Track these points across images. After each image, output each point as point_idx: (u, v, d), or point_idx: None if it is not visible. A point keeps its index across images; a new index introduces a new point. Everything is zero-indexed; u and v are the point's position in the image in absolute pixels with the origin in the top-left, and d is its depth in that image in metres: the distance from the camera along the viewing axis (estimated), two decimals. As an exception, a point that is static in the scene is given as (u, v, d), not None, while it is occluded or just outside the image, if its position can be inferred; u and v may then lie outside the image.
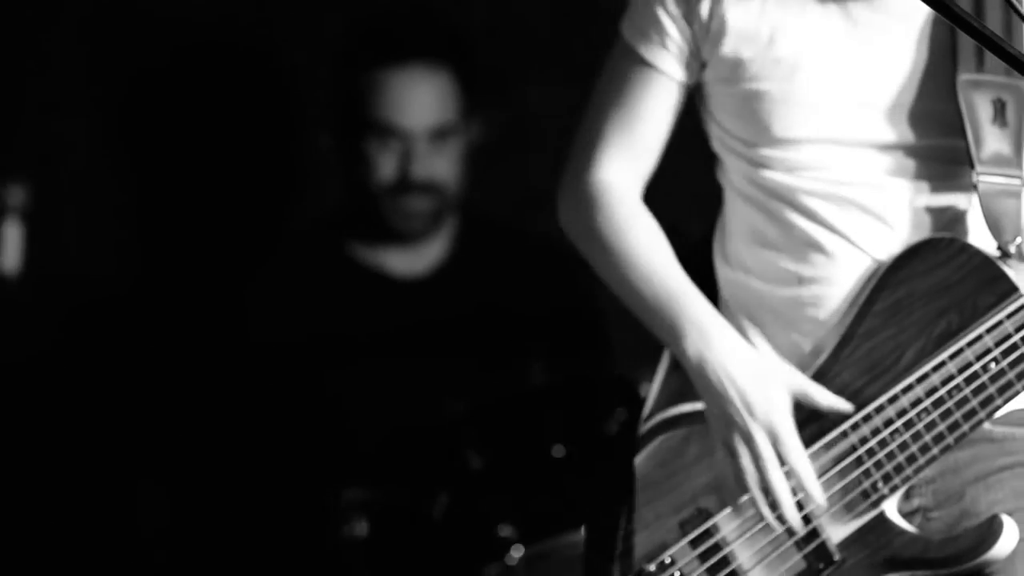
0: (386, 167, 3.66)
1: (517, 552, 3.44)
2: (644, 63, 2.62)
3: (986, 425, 2.61)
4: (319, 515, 3.75)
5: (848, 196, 2.55)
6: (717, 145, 2.67)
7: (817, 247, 2.53)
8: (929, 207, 2.59)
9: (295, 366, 3.84)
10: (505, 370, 3.54)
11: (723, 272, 2.68)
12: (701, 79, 2.61)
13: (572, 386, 3.58)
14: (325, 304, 3.82)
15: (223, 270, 4.30)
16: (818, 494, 2.58)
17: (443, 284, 3.78)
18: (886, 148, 2.59)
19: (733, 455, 2.55)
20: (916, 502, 2.66)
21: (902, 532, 2.67)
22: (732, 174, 2.66)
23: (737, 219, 2.66)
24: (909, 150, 2.54)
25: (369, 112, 3.72)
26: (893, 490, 2.61)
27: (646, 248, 2.69)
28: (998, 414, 2.59)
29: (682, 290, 2.64)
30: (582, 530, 3.21)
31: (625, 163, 2.70)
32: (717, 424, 2.55)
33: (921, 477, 2.61)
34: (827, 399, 2.57)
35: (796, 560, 2.65)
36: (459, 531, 3.50)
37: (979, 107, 2.53)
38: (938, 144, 2.58)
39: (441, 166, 3.72)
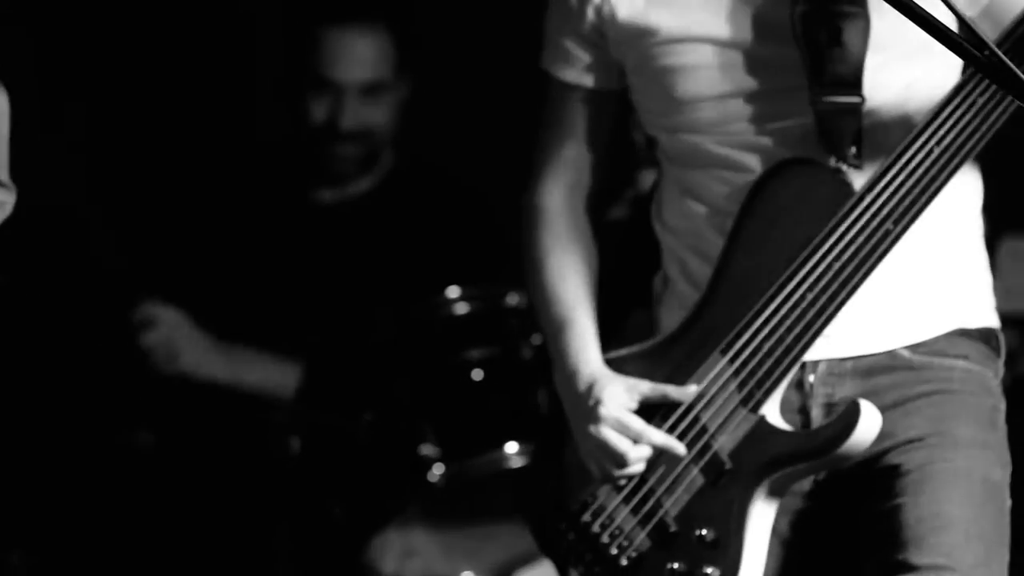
0: (318, 116, 4.03)
1: (438, 470, 3.67)
2: (558, 82, 2.87)
3: (905, 353, 2.84)
4: (256, 434, 4.05)
5: (746, 142, 2.82)
6: (648, 127, 2.91)
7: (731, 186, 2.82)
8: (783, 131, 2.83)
9: (228, 283, 4.17)
10: (422, 296, 3.84)
11: (658, 231, 2.95)
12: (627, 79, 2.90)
13: (490, 313, 3.73)
14: (263, 226, 4.20)
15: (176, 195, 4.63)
16: (678, 448, 2.82)
17: (364, 213, 4.13)
18: (761, 92, 2.82)
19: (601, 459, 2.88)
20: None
21: (780, 432, 2.89)
22: (661, 148, 2.90)
23: (668, 183, 2.92)
24: (776, 85, 2.84)
25: (308, 67, 4.08)
26: (767, 394, 2.82)
27: (554, 277, 2.95)
28: (916, 340, 2.81)
29: (564, 324, 2.92)
30: (504, 448, 3.70)
31: (558, 183, 2.95)
32: (582, 442, 2.87)
33: (842, 398, 2.83)
34: (656, 389, 2.83)
35: (695, 475, 2.90)
36: (383, 451, 3.72)
37: (818, 33, 2.88)
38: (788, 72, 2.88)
39: (372, 117, 4.06)
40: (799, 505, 2.96)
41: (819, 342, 2.85)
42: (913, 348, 2.86)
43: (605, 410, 2.82)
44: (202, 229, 4.53)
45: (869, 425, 2.82)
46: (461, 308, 3.89)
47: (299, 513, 4.23)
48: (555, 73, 2.90)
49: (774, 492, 2.95)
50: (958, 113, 2.81)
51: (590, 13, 2.88)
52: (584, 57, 2.91)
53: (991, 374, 2.97)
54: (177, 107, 5.14)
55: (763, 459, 2.83)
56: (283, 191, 4.39)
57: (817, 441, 2.80)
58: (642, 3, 2.84)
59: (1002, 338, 3.05)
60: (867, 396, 2.84)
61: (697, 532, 2.86)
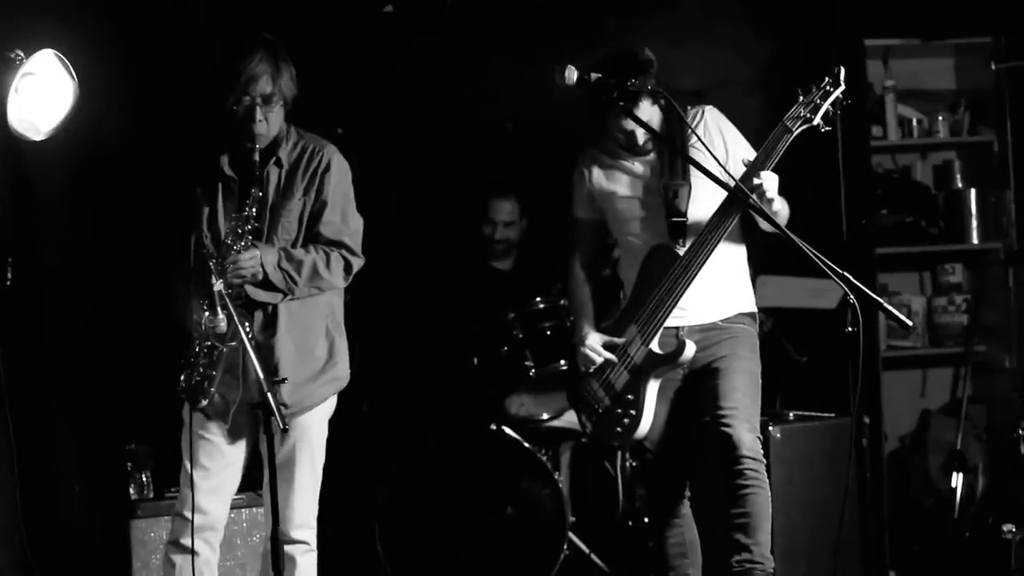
0: (487, 232, 7.21)
1: (533, 372, 6.60)
2: (577, 217, 5.73)
3: (719, 322, 5.45)
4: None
5: (643, 238, 5.47)
6: (615, 237, 5.67)
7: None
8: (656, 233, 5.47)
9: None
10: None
11: (621, 276, 5.65)
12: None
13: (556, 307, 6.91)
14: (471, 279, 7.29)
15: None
16: (614, 359, 5.45)
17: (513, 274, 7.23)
18: (648, 217, 5.46)
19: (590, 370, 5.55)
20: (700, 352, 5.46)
21: (657, 354, 5.40)
22: (619, 245, 5.66)
23: (624, 262, 5.64)
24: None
25: (487, 219, 7.23)
26: (651, 338, 5.40)
27: (575, 294, 5.75)
28: (723, 316, 5.46)
29: (578, 314, 5.69)
30: (559, 362, 6.62)
31: (580, 256, 5.77)
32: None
33: (693, 339, 5.39)
34: (608, 338, 5.56)
35: (624, 373, 5.50)
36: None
37: (668, 192, 5.43)
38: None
39: (512, 235, 7.24)
40: (678, 385, 5.52)
41: (680, 316, 5.39)
42: (723, 320, 5.52)
43: (587, 342, 5.60)
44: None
45: (688, 350, 5.42)
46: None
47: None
48: (576, 214, 5.78)
49: (657, 378, 5.47)
50: (720, 218, 5.29)
51: (587, 186, 5.67)
52: (589, 204, 5.73)
53: (753, 331, 5.55)
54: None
55: (650, 365, 5.45)
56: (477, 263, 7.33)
57: (662, 357, 5.43)
58: (602, 180, 5.61)
59: (757, 315, 5.66)
60: (704, 341, 5.43)
61: (627, 396, 5.48)
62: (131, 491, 6.29)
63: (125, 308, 5.77)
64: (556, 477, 6.58)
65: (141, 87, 6.57)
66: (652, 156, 5.54)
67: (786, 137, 5.32)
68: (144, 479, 6.26)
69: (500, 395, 6.82)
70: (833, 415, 6.71)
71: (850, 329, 4.80)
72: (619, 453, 6.54)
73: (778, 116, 5.45)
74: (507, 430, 6.71)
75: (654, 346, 5.47)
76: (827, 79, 5.37)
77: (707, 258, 5.36)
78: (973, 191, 7.89)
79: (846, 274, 4.73)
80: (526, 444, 6.62)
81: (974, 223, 7.86)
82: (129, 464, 6.29)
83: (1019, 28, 7.36)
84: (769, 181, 5.29)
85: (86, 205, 6.58)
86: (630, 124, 5.35)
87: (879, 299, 4.72)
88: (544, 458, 6.65)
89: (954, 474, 7.51)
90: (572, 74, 5.12)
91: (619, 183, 5.58)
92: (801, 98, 5.38)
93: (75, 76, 4.83)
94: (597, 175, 5.60)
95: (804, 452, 6.24)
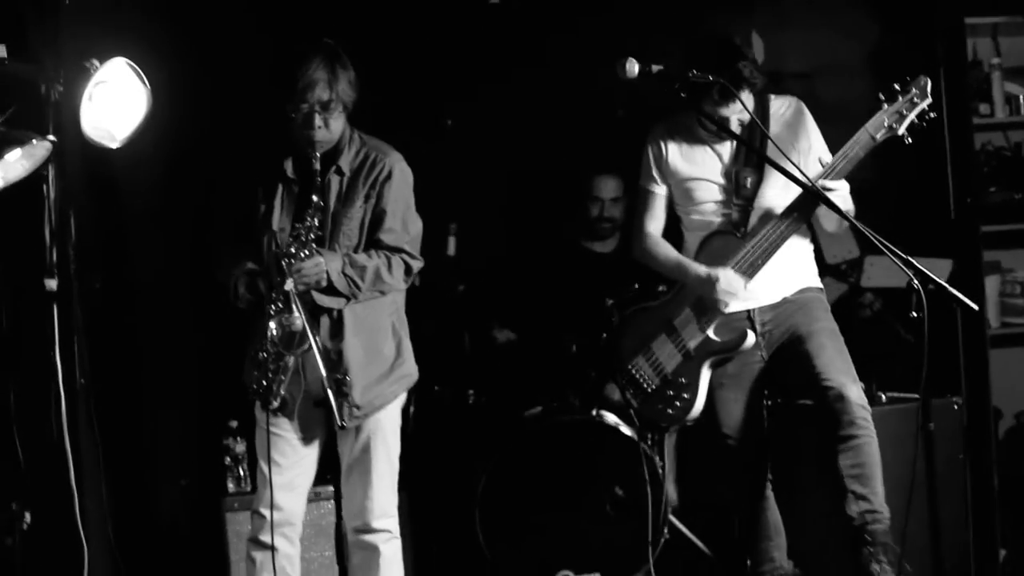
0: (593, 212, 7.24)
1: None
2: (645, 189, 5.80)
3: (790, 296, 5.60)
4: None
5: (708, 220, 5.63)
6: (678, 211, 5.78)
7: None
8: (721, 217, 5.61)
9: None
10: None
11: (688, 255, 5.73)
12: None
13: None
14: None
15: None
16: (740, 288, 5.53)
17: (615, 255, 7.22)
18: (717, 201, 5.62)
19: (709, 289, 5.53)
20: (767, 327, 5.67)
21: (710, 339, 5.60)
22: (684, 222, 5.75)
23: (689, 238, 5.77)
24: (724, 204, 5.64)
25: (591, 193, 7.26)
26: (708, 325, 5.59)
27: (666, 251, 5.79)
28: (792, 291, 5.63)
29: (680, 261, 5.74)
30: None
31: (652, 227, 5.84)
32: (699, 287, 5.60)
33: (763, 320, 5.60)
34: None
35: (679, 355, 5.67)
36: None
37: (739, 178, 5.56)
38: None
39: (616, 212, 7.24)
40: (757, 371, 5.67)
41: (749, 299, 5.53)
42: (793, 294, 5.72)
43: (721, 275, 5.55)
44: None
45: (748, 341, 5.56)
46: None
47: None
48: (647, 186, 5.84)
49: (713, 364, 5.62)
50: (789, 215, 5.48)
51: (663, 160, 5.74)
52: (659, 178, 5.81)
53: (823, 297, 5.76)
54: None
55: (707, 351, 5.66)
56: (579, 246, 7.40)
57: (722, 342, 5.60)
58: (678, 157, 5.70)
59: (823, 288, 5.90)
60: (777, 317, 5.61)
61: (680, 379, 5.67)
62: (229, 485, 6.43)
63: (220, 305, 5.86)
64: (657, 462, 6.58)
65: (216, 92, 6.71)
66: (729, 141, 5.62)
67: (868, 144, 5.37)
68: (241, 472, 6.40)
69: (600, 380, 6.88)
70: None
71: (915, 314, 4.71)
72: (667, 435, 6.51)
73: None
74: (607, 415, 6.72)
75: (711, 332, 5.57)
76: (914, 90, 5.37)
77: (772, 254, 5.49)
78: (1085, 166, 7.74)
79: (910, 259, 4.73)
80: (625, 430, 6.62)
81: (1087, 198, 7.70)
82: (227, 458, 6.42)
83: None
84: (842, 191, 5.37)
85: (172, 207, 6.77)
86: (725, 111, 5.40)
87: (943, 283, 4.71)
88: (647, 443, 6.65)
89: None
90: (634, 67, 5.16)
91: (694, 162, 5.68)
92: (886, 105, 5.39)
93: (147, 83, 4.98)
94: (673, 151, 5.69)
95: (896, 433, 6.13)
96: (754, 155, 5.47)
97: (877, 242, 4.72)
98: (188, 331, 6.80)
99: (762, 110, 5.58)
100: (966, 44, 7.45)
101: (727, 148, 5.60)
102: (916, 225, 7.28)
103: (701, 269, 5.60)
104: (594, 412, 6.75)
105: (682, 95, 5.22)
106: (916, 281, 4.68)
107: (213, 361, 6.51)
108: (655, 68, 5.17)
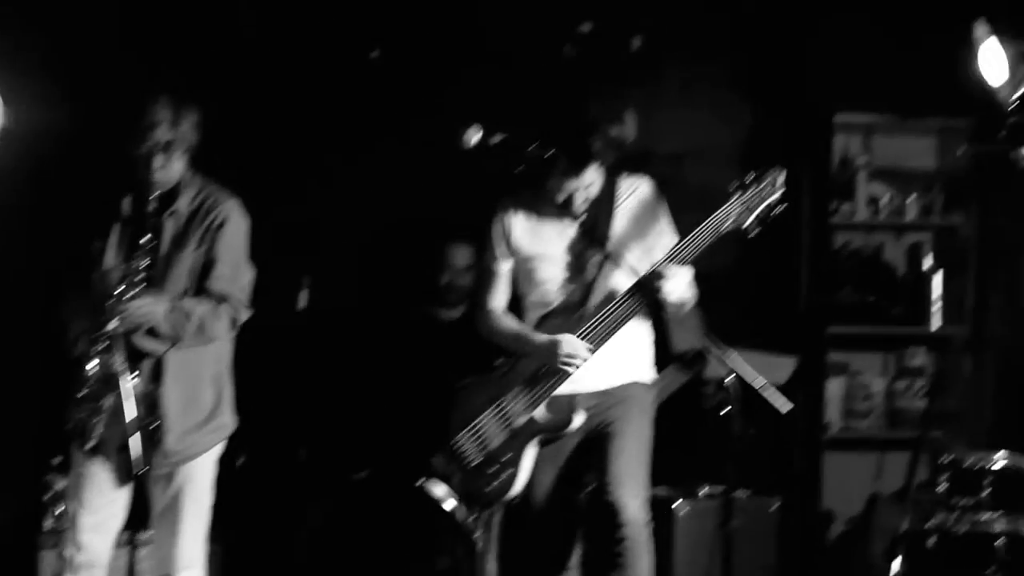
0: (443, 280, 7.05)
1: None
2: (493, 267, 5.69)
3: (613, 389, 5.51)
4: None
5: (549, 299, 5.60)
6: (519, 288, 5.68)
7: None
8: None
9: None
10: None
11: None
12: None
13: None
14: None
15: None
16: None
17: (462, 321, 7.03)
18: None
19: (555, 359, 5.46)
20: (589, 413, 5.56)
21: (534, 420, 5.53)
22: (524, 299, 5.69)
23: (529, 315, 5.67)
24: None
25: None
26: (537, 403, 5.51)
27: (508, 324, 5.70)
28: (619, 383, 5.51)
29: (520, 333, 5.65)
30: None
31: (494, 306, 5.74)
32: (542, 355, 5.48)
33: (589, 403, 5.51)
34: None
35: (504, 432, 5.57)
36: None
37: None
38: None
39: (465, 282, 6.99)
40: (569, 450, 5.58)
41: (575, 382, 5.45)
42: (617, 386, 5.60)
43: (564, 340, 5.46)
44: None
45: (574, 424, 5.53)
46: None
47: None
48: (491, 265, 5.74)
49: (539, 443, 5.56)
50: (624, 301, 5.40)
51: (508, 237, 5.65)
52: (505, 255, 5.71)
53: (647, 397, 5.64)
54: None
55: (533, 430, 5.56)
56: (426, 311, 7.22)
57: (553, 426, 5.57)
58: (525, 235, 5.59)
59: (651, 384, 5.69)
60: (596, 406, 5.52)
61: (504, 456, 5.56)
62: (47, 522, 6.35)
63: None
64: (474, 537, 6.43)
65: (74, 118, 6.62)
66: (578, 218, 5.51)
67: (712, 235, 5.30)
68: (60, 510, 6.21)
69: (429, 450, 6.67)
70: (750, 492, 6.60)
71: (728, 408, 4.68)
72: (486, 511, 6.40)
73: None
74: (435, 485, 6.57)
75: (539, 413, 5.47)
76: (765, 183, 5.30)
77: (613, 332, 5.41)
78: (939, 274, 7.77)
79: (726, 358, 4.67)
80: (449, 503, 6.48)
81: (937, 307, 7.75)
82: (46, 495, 6.33)
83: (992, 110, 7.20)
84: (674, 283, 5.32)
85: (13, 232, 6.68)
86: (572, 184, 5.34)
87: (753, 381, 4.92)
88: (472, 518, 6.50)
89: (893, 561, 7.28)
90: (473, 136, 5.10)
91: (540, 238, 5.59)
92: (736, 196, 5.31)
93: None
94: (520, 226, 5.61)
95: (710, 531, 6.06)
96: (601, 232, 5.42)
97: (704, 348, 4.65)
98: (28, 362, 6.69)
99: (610, 188, 5.52)
100: (831, 141, 7.52)
101: (574, 226, 5.52)
102: (767, 318, 7.31)
103: (543, 336, 5.53)
104: (421, 481, 6.58)
105: (520, 167, 5.24)
106: (728, 377, 4.91)
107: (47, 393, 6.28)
108: (495, 138, 5.09)
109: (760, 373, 6.92)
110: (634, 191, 5.57)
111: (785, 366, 7.14)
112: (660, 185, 5.74)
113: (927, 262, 7.92)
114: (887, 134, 7.87)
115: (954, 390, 7.67)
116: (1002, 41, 6.36)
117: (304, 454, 6.90)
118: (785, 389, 6.91)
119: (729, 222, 5.29)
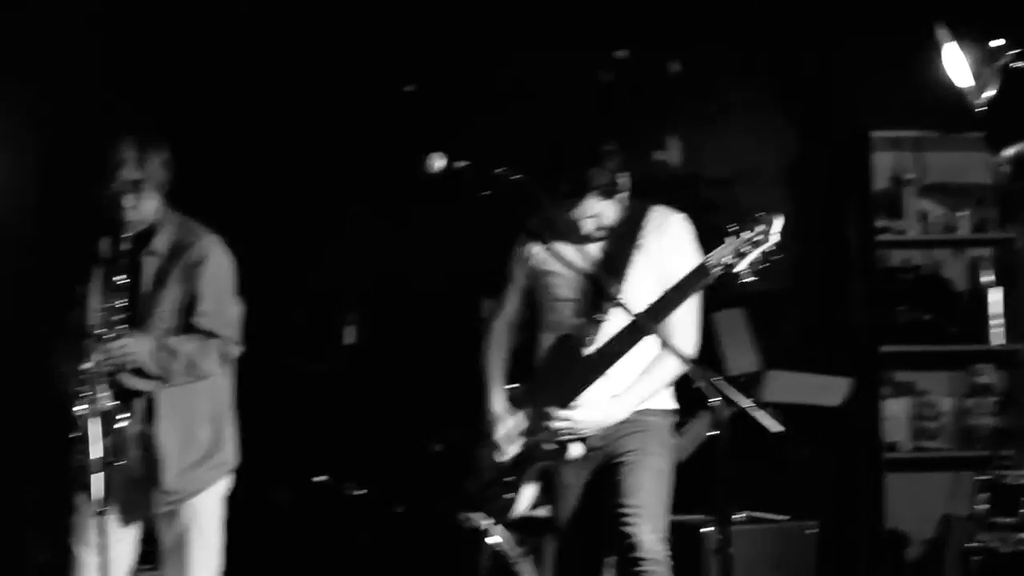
0: None
1: None
2: (507, 281, 5.57)
3: (630, 417, 5.26)
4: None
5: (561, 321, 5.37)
6: (537, 307, 5.52)
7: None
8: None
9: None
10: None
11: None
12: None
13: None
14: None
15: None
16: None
17: None
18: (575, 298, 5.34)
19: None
20: (601, 443, 5.31)
21: (540, 448, 5.34)
22: (539, 321, 5.50)
23: (543, 337, 5.48)
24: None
25: None
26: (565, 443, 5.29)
27: (490, 363, 5.58)
28: (639, 409, 5.25)
29: (489, 386, 5.51)
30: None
31: (504, 317, 5.63)
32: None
33: (595, 436, 5.25)
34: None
35: (510, 455, 5.40)
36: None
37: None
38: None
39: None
40: (588, 476, 5.37)
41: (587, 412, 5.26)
42: (635, 413, 5.33)
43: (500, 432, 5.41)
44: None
45: (571, 453, 5.31)
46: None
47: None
48: (510, 278, 5.60)
49: (542, 467, 5.39)
50: (625, 333, 5.19)
51: (521, 255, 5.56)
52: (520, 276, 5.62)
53: (666, 426, 5.38)
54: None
55: (534, 456, 5.39)
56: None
57: (552, 455, 5.36)
58: (542, 256, 5.44)
59: (671, 411, 5.43)
60: (612, 434, 5.29)
61: (509, 477, 5.44)
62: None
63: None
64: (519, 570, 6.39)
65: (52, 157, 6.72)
66: (598, 243, 5.40)
67: (703, 280, 5.12)
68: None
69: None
70: (788, 518, 6.46)
71: (713, 432, 4.61)
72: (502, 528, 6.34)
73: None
74: (476, 518, 6.56)
75: (531, 439, 5.42)
76: (759, 229, 5.05)
77: (609, 367, 5.27)
78: (998, 290, 7.65)
79: (713, 381, 4.55)
80: (490, 534, 6.45)
81: (996, 322, 7.60)
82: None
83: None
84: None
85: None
86: (575, 213, 5.25)
87: (744, 404, 4.51)
88: (519, 549, 6.47)
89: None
90: (436, 162, 5.09)
91: (557, 258, 5.37)
92: (732, 239, 5.09)
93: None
94: (538, 246, 5.47)
95: (746, 557, 5.97)
96: (613, 263, 5.30)
97: (701, 380, 4.60)
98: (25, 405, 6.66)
99: (636, 219, 5.38)
100: (869, 157, 7.42)
101: (592, 252, 5.37)
102: (819, 340, 7.23)
103: (492, 416, 5.53)
104: (463, 515, 6.57)
105: (487, 191, 5.03)
106: (714, 400, 4.52)
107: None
108: (459, 164, 5.09)
109: (814, 396, 7.03)
110: (659, 225, 5.46)
111: (838, 387, 7.07)
112: (706, 209, 5.73)
113: (985, 277, 7.73)
114: (936, 149, 7.74)
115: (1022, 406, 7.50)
116: (967, 44, 6.31)
117: (351, 488, 6.98)
118: (842, 410, 7.02)
119: (719, 268, 5.10)
